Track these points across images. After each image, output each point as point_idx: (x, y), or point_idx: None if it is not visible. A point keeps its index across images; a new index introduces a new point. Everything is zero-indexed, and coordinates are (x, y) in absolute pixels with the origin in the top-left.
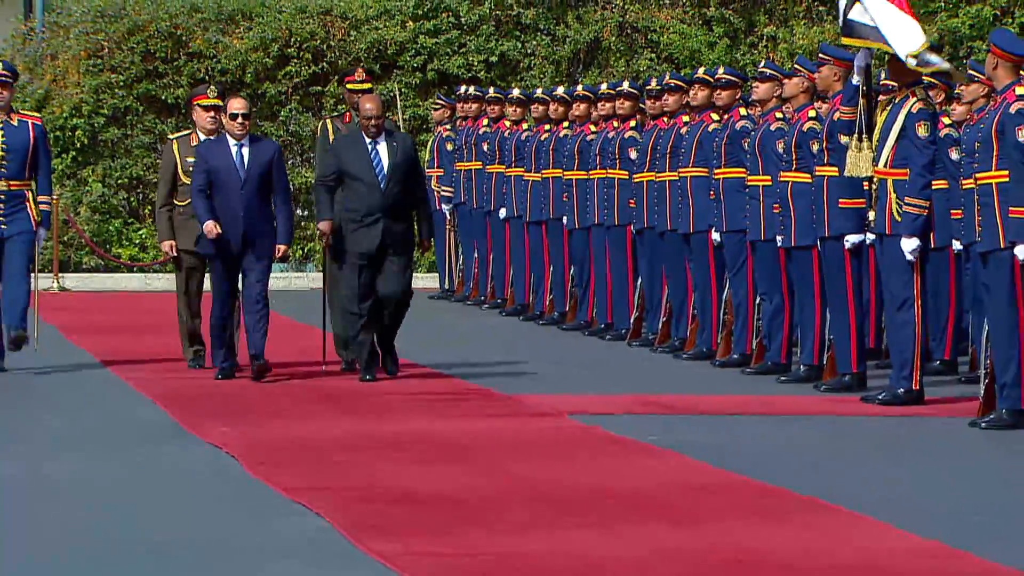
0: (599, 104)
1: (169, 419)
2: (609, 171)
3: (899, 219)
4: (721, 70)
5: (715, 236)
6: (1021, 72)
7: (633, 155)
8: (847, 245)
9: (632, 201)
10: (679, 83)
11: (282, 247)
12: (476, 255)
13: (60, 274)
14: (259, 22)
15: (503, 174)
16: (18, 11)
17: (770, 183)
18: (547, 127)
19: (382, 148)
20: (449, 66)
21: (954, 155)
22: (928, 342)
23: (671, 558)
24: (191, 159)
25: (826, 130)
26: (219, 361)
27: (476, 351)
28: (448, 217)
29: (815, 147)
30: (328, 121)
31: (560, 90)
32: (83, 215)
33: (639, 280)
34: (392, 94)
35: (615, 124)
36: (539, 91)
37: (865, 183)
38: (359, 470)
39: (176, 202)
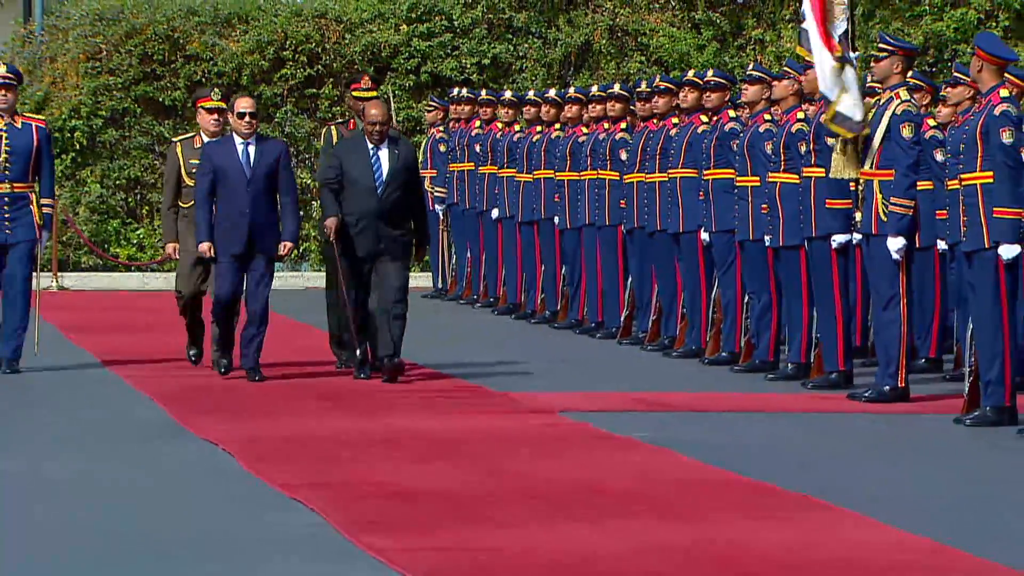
0: (590, 106)
1: (167, 417)
2: (600, 172)
3: (885, 219)
4: (710, 73)
5: (704, 236)
6: (1005, 75)
7: (623, 156)
8: (834, 245)
9: (623, 202)
10: (669, 85)
11: (287, 244)
12: (469, 255)
13: (59, 273)
14: (255, 25)
15: (495, 175)
16: (17, 14)
17: (758, 184)
18: (539, 129)
19: (383, 154)
20: (442, 69)
21: (939, 156)
22: (913, 340)
23: (661, 553)
24: (194, 161)
25: (813, 131)
26: (221, 361)
27: (469, 349)
28: (441, 217)
29: (803, 148)
30: (333, 128)
31: (551, 92)
32: (82, 215)
33: (629, 279)
34: (386, 96)
35: (606, 126)
36: (531, 93)
37: (852, 184)
38: (354, 467)
39: (180, 204)
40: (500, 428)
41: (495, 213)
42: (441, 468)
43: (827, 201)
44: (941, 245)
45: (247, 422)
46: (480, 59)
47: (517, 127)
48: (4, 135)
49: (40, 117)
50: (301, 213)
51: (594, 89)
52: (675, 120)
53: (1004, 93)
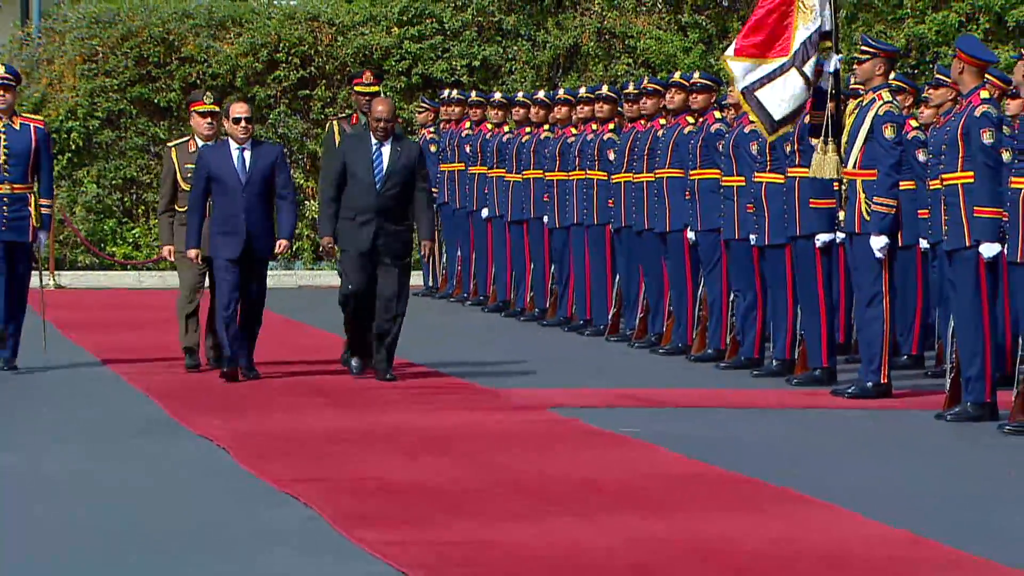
0: (579, 107)
1: (163, 413)
2: (588, 172)
3: (868, 218)
4: (696, 75)
5: (690, 235)
6: (986, 76)
7: (611, 157)
8: (818, 243)
9: (610, 201)
10: (657, 87)
11: (283, 242)
12: (459, 253)
13: (56, 272)
14: (249, 28)
15: (485, 175)
16: (15, 17)
17: (744, 184)
18: (528, 129)
19: (386, 151)
20: (433, 70)
21: (921, 156)
22: (896, 337)
23: (648, 546)
24: (189, 165)
25: (797, 132)
26: (221, 360)
27: (459, 347)
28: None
29: (788, 149)
30: (335, 122)
31: (540, 94)
32: (78, 215)
33: (617, 277)
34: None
35: (594, 127)
36: (520, 95)
37: (835, 184)
38: (347, 462)
39: (176, 208)
40: (490, 424)
41: (485, 212)
42: (432, 463)
43: (811, 201)
44: (923, 244)
45: (242, 418)
46: (470, 61)
47: (506, 128)
48: (3, 136)
49: (39, 118)
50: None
51: (582, 91)
52: (662, 121)
53: (984, 95)
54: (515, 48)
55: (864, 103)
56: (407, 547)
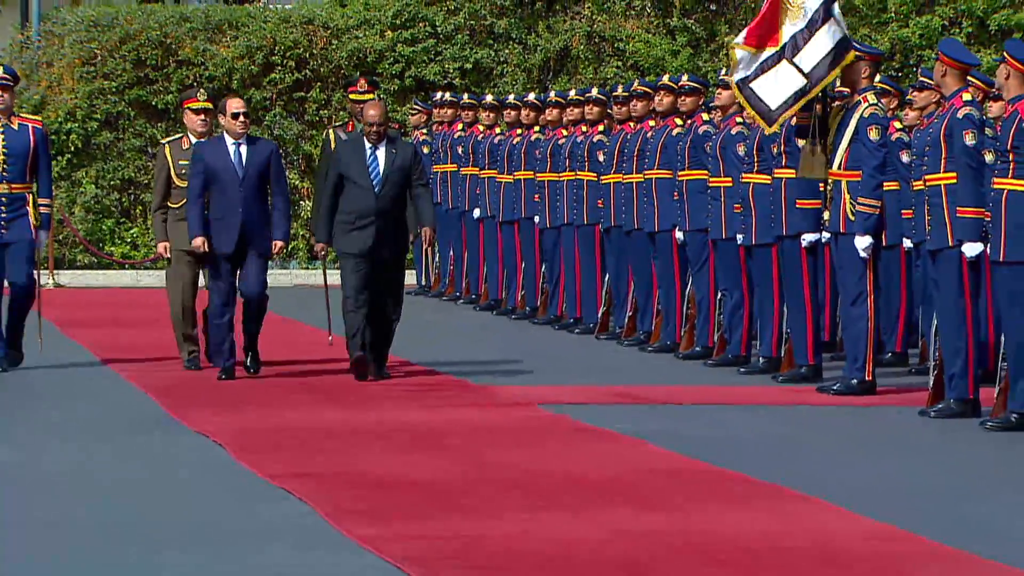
0: (569, 109)
1: (160, 409)
2: (578, 173)
3: (852, 218)
4: (685, 77)
5: (679, 235)
6: (968, 79)
7: (601, 158)
8: (804, 243)
9: (600, 201)
10: (646, 89)
11: (278, 244)
12: (451, 253)
13: (55, 271)
14: (245, 31)
15: (477, 176)
16: (15, 20)
17: (731, 184)
18: (519, 131)
19: (380, 154)
20: (426, 73)
21: (905, 158)
22: (880, 335)
23: (637, 541)
24: (183, 162)
25: (784, 134)
26: (223, 361)
27: (451, 345)
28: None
29: (775, 150)
30: (331, 131)
31: (531, 96)
32: (77, 215)
33: (607, 276)
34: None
35: (584, 128)
36: (511, 97)
37: (821, 184)
38: (341, 457)
39: (170, 204)
40: (482, 420)
41: (477, 213)
42: (425, 459)
43: (797, 201)
44: (907, 243)
45: (238, 415)
46: (462, 64)
47: (498, 130)
48: (2, 136)
49: (37, 118)
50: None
51: (572, 93)
52: (651, 123)
53: (967, 97)
54: (506, 51)
55: (849, 105)
56: (401, 541)
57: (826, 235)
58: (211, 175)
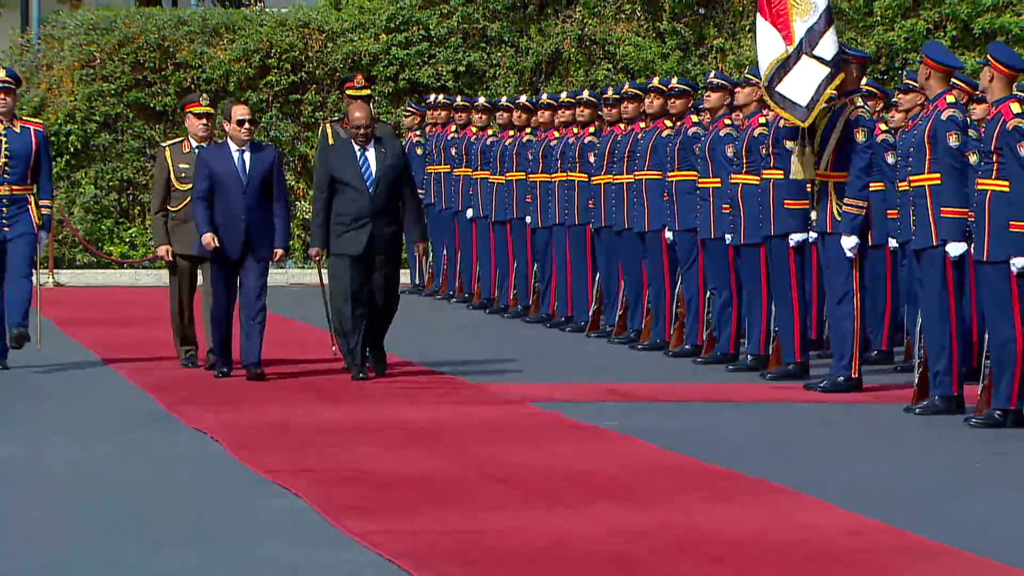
0: (560, 111)
1: (158, 407)
2: (570, 174)
3: (839, 218)
4: (675, 80)
5: (668, 235)
6: (952, 81)
7: (592, 159)
8: (791, 243)
9: (591, 202)
10: (637, 92)
11: (279, 251)
12: (445, 252)
13: (55, 270)
14: (242, 34)
15: (470, 177)
16: (15, 24)
17: (719, 185)
18: (511, 133)
19: (371, 154)
20: (419, 76)
21: (890, 159)
22: (866, 333)
23: (626, 535)
24: (183, 165)
25: (772, 136)
26: (219, 366)
27: (445, 343)
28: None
29: (763, 151)
30: (328, 126)
31: (523, 98)
32: (76, 215)
33: (597, 276)
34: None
35: (575, 130)
36: (504, 99)
37: (808, 185)
38: (337, 454)
39: (170, 208)
40: (475, 417)
41: (470, 213)
42: (419, 455)
43: (785, 201)
44: (892, 243)
45: (235, 412)
46: (456, 67)
47: (490, 131)
48: (4, 138)
49: (38, 121)
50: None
51: (564, 95)
52: (642, 125)
53: (951, 99)
54: (499, 54)
55: (836, 108)
56: (395, 536)
57: (813, 235)
58: (215, 180)
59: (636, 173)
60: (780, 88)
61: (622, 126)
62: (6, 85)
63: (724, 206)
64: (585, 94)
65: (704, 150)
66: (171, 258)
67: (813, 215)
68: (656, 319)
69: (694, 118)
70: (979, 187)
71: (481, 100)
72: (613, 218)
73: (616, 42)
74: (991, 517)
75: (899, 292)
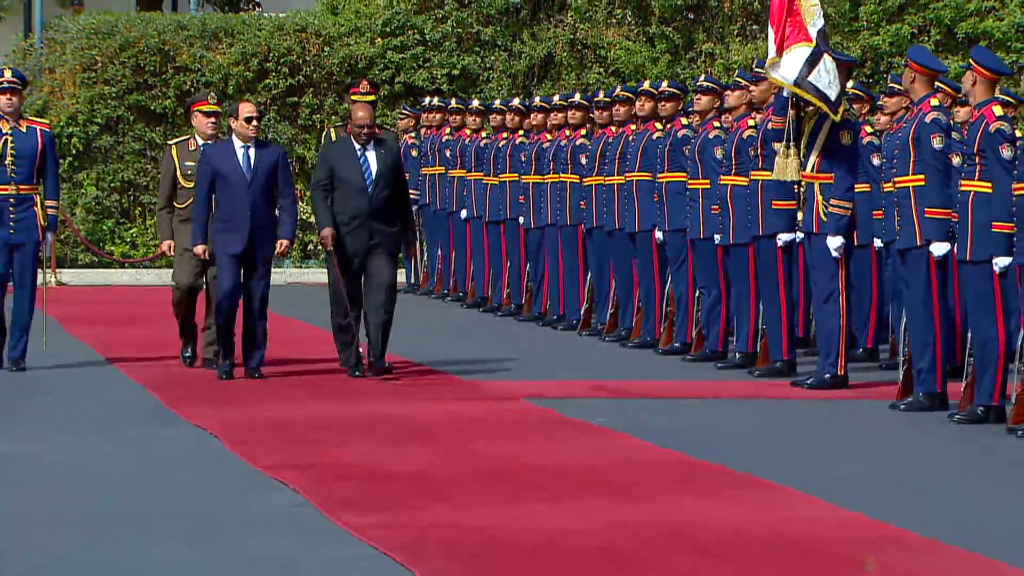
0: (552, 114)
1: (158, 404)
2: (562, 175)
3: (825, 219)
4: (665, 83)
5: (658, 235)
6: (937, 84)
7: (583, 161)
8: (779, 243)
9: (583, 203)
10: (628, 95)
11: (284, 242)
12: (440, 252)
13: (58, 269)
14: (240, 39)
15: (464, 178)
16: (18, 28)
17: (709, 186)
18: (504, 135)
19: (371, 155)
20: (415, 79)
21: (875, 161)
22: (852, 331)
23: (617, 530)
24: (189, 163)
25: (760, 137)
26: (221, 366)
27: (439, 341)
28: (413, 218)
29: (752, 153)
30: (332, 130)
31: (516, 101)
32: (79, 215)
33: (589, 275)
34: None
35: (567, 132)
36: (497, 102)
37: (796, 186)
38: (333, 450)
39: (176, 205)
40: (468, 414)
41: (464, 213)
42: (414, 451)
43: (773, 202)
44: (877, 243)
45: (233, 408)
46: (450, 70)
47: (484, 133)
48: (10, 139)
49: (44, 121)
50: None
51: (556, 98)
52: (632, 127)
53: (935, 102)
54: (492, 58)
55: (822, 111)
56: (391, 530)
57: (800, 235)
58: (219, 178)
59: (627, 174)
60: (811, 79)
61: (613, 128)
62: (12, 86)
63: (713, 207)
64: (577, 97)
65: (694, 152)
66: (173, 252)
67: (800, 216)
68: (646, 317)
69: (684, 121)
70: (962, 188)
71: (475, 103)
72: (604, 218)
73: (607, 46)
74: (973, 509)
75: (884, 291)
